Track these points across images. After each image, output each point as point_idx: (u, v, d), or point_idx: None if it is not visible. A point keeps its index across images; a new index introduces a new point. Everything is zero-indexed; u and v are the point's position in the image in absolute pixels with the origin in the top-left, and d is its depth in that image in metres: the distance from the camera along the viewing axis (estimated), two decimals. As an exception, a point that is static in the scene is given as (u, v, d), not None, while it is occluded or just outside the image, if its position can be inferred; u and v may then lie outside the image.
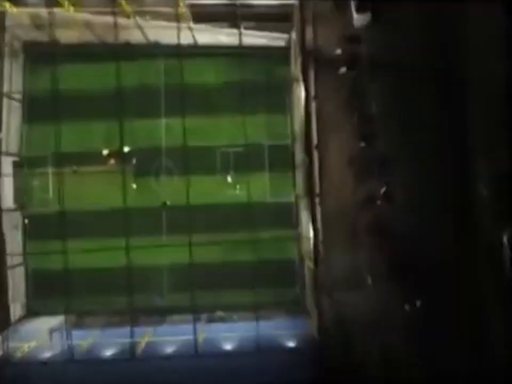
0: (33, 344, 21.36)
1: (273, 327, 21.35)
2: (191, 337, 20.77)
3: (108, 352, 20.83)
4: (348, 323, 18.28)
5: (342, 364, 17.13)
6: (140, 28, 23.65)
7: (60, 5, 22.32)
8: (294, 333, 20.01)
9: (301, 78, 24.32)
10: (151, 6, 23.12)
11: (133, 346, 21.15)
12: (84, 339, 21.94)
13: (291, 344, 18.93)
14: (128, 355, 20.50)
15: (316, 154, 24.36)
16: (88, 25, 23.79)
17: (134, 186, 24.74)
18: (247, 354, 18.70)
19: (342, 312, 18.50)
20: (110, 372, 19.44)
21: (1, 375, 20.58)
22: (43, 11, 22.99)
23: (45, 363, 18.94)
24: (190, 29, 23.45)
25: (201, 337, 20.95)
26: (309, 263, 21.83)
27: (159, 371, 18.64)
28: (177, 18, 22.28)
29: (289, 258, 24.92)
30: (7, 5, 20.81)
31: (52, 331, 22.23)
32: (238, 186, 24.60)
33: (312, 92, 24.43)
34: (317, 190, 24.00)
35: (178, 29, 22.51)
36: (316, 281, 21.59)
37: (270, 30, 23.93)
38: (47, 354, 20.83)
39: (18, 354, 20.90)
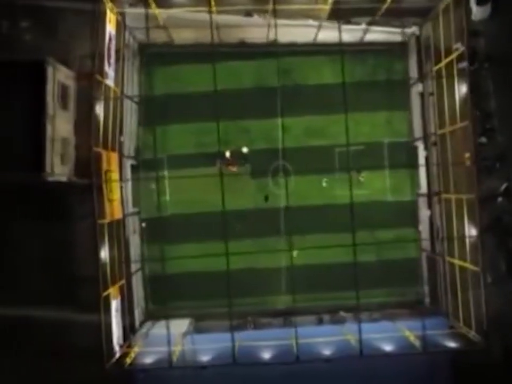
0: (164, 349, 21.07)
1: (408, 328, 20.96)
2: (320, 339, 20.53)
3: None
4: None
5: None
6: (257, 26, 23.39)
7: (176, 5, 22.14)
8: (443, 334, 19.55)
9: (419, 73, 24.21)
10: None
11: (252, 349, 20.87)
12: (208, 343, 21.69)
13: (452, 344, 18.47)
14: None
15: (434, 152, 24.14)
16: (204, 25, 23.50)
17: (252, 187, 24.51)
18: (412, 355, 18.31)
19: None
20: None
21: (133, 380, 20.41)
22: (160, 12, 22.71)
23: (204, 367, 18.57)
24: (308, 26, 23.20)
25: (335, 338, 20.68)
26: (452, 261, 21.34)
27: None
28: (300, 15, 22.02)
29: (411, 258, 24.58)
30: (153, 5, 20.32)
31: (184, 335, 22.01)
32: (359, 185, 24.20)
33: (430, 88, 24.19)
34: (437, 187, 23.74)
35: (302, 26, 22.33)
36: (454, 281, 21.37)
37: (387, 25, 23.59)
38: (178, 359, 20.54)
39: (150, 359, 20.66)
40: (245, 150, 24.09)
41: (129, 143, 23.65)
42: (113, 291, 19.48)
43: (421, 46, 23.49)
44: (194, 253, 24.08)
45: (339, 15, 20.08)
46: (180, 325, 23.48)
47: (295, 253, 22.48)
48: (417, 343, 18.85)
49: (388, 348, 18.74)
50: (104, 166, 19.07)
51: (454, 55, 20.45)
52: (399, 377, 18.02)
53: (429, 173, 23.48)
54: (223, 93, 24.29)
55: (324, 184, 24.58)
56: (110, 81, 19.77)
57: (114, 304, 19.66)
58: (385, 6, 20.03)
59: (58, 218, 20.32)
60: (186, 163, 24.39)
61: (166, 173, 24.62)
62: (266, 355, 18.92)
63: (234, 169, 23.89)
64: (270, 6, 20.34)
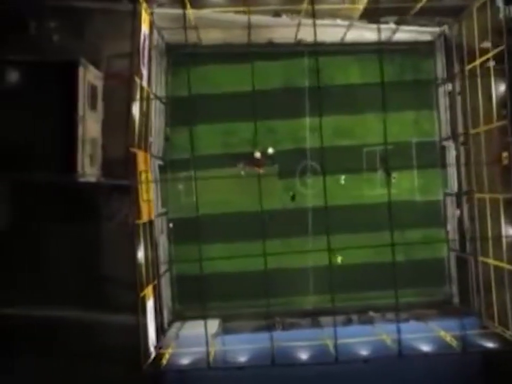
0: (197, 349, 21.02)
1: (440, 328, 20.92)
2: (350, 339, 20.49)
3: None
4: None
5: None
6: (284, 26, 23.37)
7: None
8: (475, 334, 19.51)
9: (447, 73, 24.18)
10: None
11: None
12: (239, 344, 21.63)
13: (489, 344, 18.43)
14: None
15: (463, 151, 24.11)
16: (232, 25, 23.49)
17: (279, 187, 24.48)
18: (450, 355, 18.27)
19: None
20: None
21: (169, 381, 20.38)
22: (187, 12, 22.67)
23: (241, 368, 18.51)
24: (336, 25, 23.17)
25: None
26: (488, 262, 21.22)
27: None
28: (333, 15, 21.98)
29: (439, 257, 24.55)
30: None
31: (215, 336, 21.94)
32: (389, 184, 24.16)
33: (459, 87, 24.16)
34: (467, 186, 23.73)
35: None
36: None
37: (415, 24, 23.57)
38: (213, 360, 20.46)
39: (185, 360, 20.61)
40: (270, 150, 24.03)
41: (157, 143, 23.62)
42: (148, 291, 19.44)
43: (449, 45, 23.49)
44: (221, 253, 24.17)
45: (374, 14, 20.01)
46: (209, 326, 23.45)
47: (339, 259, 22.57)
48: (453, 343, 18.83)
49: (424, 348, 18.69)
50: (140, 166, 19.02)
51: (490, 54, 20.39)
52: (437, 377, 17.95)
53: (459, 172, 23.47)
54: (251, 93, 24.48)
55: (342, 182, 24.51)
56: (144, 82, 19.73)
57: (150, 305, 19.63)
58: (420, 5, 20.00)
59: (90, 219, 20.28)
60: (214, 163, 24.40)
61: (192, 173, 24.64)
62: (303, 356, 18.85)
63: (261, 170, 23.81)
64: (305, 6, 20.25)
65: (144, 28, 19.34)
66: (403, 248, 23.72)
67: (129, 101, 17.93)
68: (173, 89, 24.55)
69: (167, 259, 24.37)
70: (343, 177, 24.47)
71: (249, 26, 20.88)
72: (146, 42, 19.71)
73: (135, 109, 18.59)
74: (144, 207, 19.22)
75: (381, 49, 20.93)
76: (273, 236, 24.67)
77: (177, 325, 24.07)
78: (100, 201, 21.09)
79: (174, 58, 24.44)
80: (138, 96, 18.84)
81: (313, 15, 19.16)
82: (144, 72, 19.74)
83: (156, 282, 21.24)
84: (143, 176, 19.35)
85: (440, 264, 24.62)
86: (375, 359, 18.16)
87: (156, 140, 23.63)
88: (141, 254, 18.70)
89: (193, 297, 24.45)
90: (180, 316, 24.49)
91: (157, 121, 23.67)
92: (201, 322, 23.34)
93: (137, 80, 18.49)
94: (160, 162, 24.11)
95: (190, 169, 24.43)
